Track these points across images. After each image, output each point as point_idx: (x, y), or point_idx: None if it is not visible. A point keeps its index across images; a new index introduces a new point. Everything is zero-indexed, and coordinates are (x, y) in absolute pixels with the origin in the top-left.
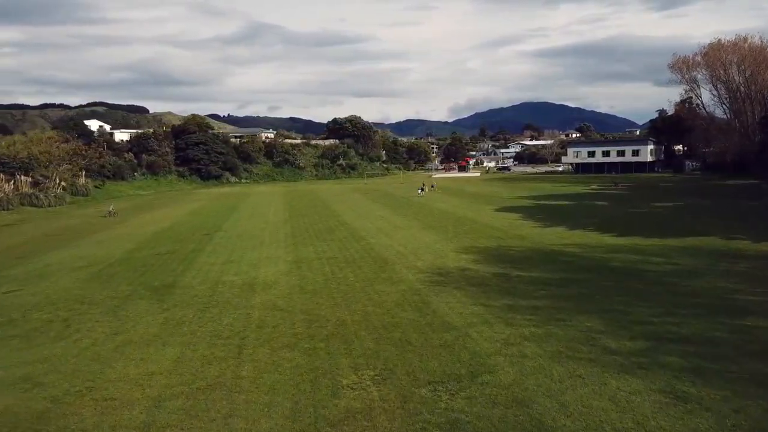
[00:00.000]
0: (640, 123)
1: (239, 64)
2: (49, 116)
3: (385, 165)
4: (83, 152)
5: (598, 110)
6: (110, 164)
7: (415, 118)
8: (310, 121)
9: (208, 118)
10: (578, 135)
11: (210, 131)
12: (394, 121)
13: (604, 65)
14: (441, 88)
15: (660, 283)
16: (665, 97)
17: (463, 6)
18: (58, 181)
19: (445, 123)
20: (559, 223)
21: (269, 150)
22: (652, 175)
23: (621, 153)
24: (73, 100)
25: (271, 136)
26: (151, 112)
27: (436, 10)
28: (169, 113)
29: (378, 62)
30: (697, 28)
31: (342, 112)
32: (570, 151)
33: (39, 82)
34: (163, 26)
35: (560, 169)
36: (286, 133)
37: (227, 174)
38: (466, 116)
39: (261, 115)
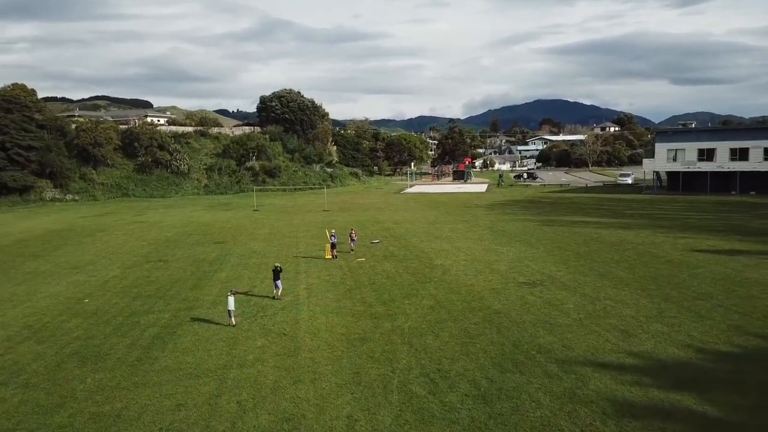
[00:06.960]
0: (657, 122)
1: (252, 60)
2: (50, 110)
3: (329, 170)
4: None
5: (614, 108)
6: None
7: (429, 115)
8: None
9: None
10: (617, 129)
11: (20, 107)
12: (406, 118)
13: (620, 63)
14: (455, 86)
15: None
16: (682, 95)
17: (477, 3)
18: None
19: (458, 120)
20: None
21: (130, 143)
22: None
23: None
24: (79, 95)
25: (171, 120)
26: (155, 106)
27: (450, 7)
28: (174, 107)
29: (392, 59)
30: (715, 25)
31: (354, 110)
32: (661, 148)
33: (53, 78)
34: (177, 22)
35: (628, 180)
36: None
37: (44, 185)
38: (479, 113)
39: None
